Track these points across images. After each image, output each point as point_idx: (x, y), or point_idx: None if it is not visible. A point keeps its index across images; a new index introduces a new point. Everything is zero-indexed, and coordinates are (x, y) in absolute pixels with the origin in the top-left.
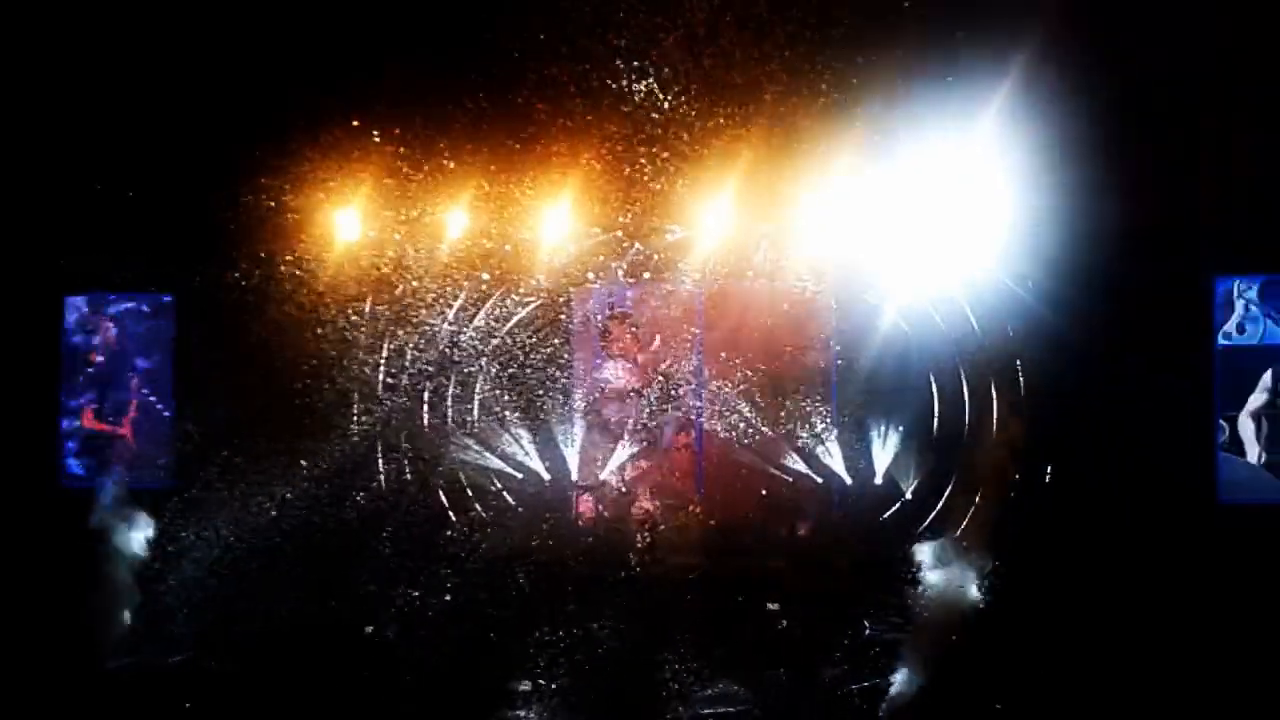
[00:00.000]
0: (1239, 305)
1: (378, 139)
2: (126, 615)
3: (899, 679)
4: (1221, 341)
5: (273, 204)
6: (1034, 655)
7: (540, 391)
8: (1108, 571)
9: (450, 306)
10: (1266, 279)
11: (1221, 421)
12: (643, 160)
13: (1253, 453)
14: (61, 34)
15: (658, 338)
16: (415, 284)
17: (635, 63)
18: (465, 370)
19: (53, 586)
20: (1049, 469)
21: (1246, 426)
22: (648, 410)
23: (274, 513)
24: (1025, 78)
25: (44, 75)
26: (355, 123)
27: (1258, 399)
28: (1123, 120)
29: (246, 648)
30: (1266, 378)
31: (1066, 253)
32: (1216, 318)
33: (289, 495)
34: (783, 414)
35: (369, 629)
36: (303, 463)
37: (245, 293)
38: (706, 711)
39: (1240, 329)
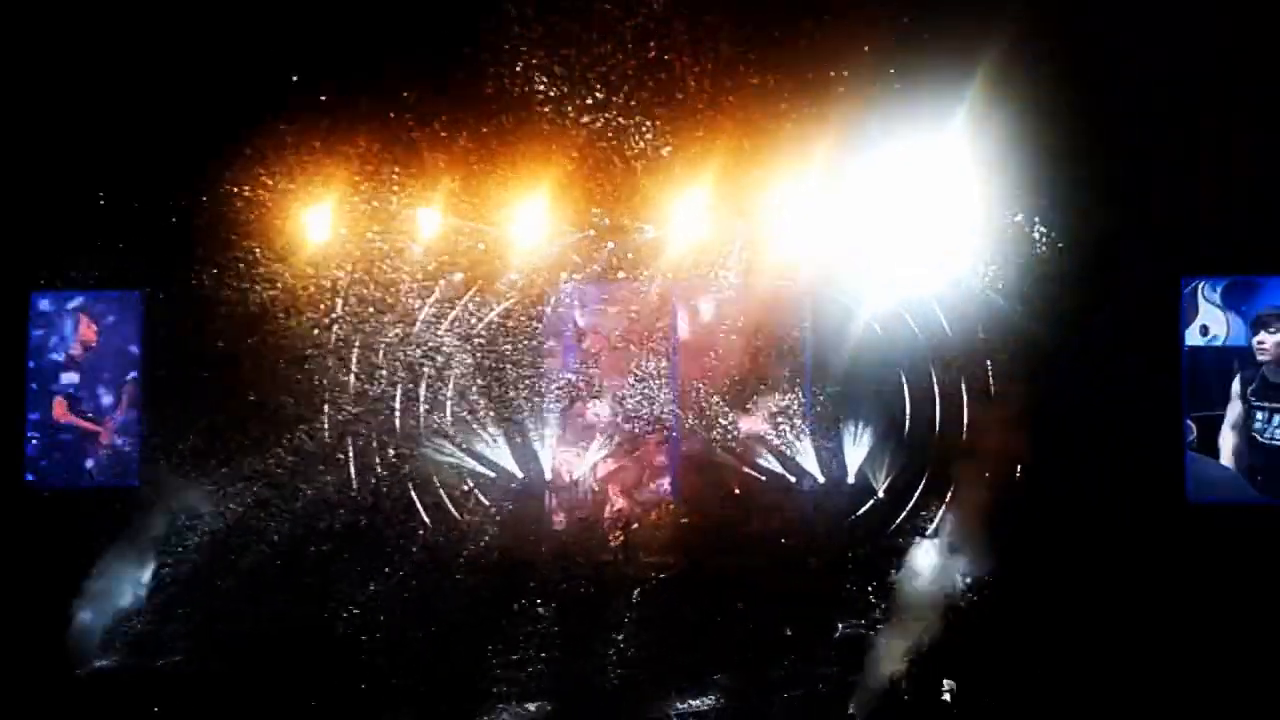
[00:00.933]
0: (1203, 307)
1: (350, 138)
2: (99, 614)
3: (871, 675)
4: (1188, 343)
5: (245, 202)
6: (1006, 651)
7: (513, 390)
8: (1079, 568)
9: (423, 306)
10: (1231, 281)
11: (1189, 421)
12: (617, 160)
13: (1230, 460)
14: (32, 34)
15: (631, 337)
16: (388, 283)
17: (610, 64)
18: (439, 369)
19: (21, 587)
20: (1020, 468)
21: (1226, 435)
22: (621, 409)
23: (244, 512)
24: (995, 84)
25: (13, 75)
26: (328, 122)
27: (1235, 408)
28: (1091, 124)
29: (215, 648)
30: (1235, 385)
31: (1036, 255)
32: (1183, 319)
33: (259, 495)
34: (756, 413)
35: (344, 629)
36: (273, 462)
37: (217, 290)
38: (678, 708)
39: (1204, 331)
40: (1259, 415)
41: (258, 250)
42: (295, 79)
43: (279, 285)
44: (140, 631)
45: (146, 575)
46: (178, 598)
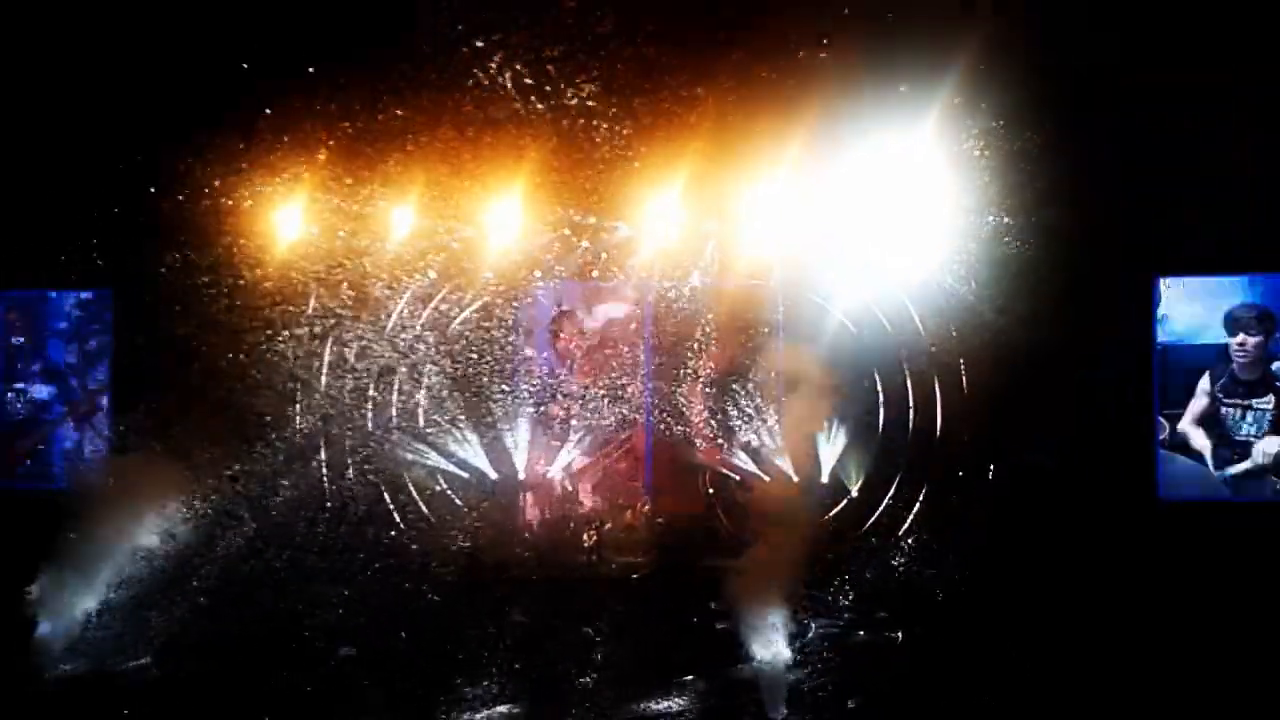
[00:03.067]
0: (1164, 298)
1: (322, 134)
2: (58, 618)
3: (844, 673)
4: (1161, 340)
5: (214, 198)
6: (978, 650)
7: (486, 390)
8: (1050, 568)
9: (395, 304)
10: (1203, 278)
11: (1161, 419)
12: (589, 158)
13: (1200, 455)
14: None
15: (605, 336)
16: (359, 282)
17: (582, 62)
18: (411, 368)
19: None
20: (992, 467)
21: (1194, 433)
22: (595, 408)
23: (211, 512)
24: (969, 79)
25: None
26: (298, 118)
27: (1199, 403)
28: (1065, 121)
29: (182, 652)
30: (1205, 380)
31: (1009, 252)
32: (1154, 316)
33: (228, 496)
34: (730, 412)
35: (313, 630)
36: (241, 462)
37: (186, 287)
38: (652, 709)
39: (1165, 320)
40: (1229, 413)
41: (229, 248)
42: (265, 75)
43: (249, 284)
44: (116, 634)
45: (110, 577)
46: (141, 601)
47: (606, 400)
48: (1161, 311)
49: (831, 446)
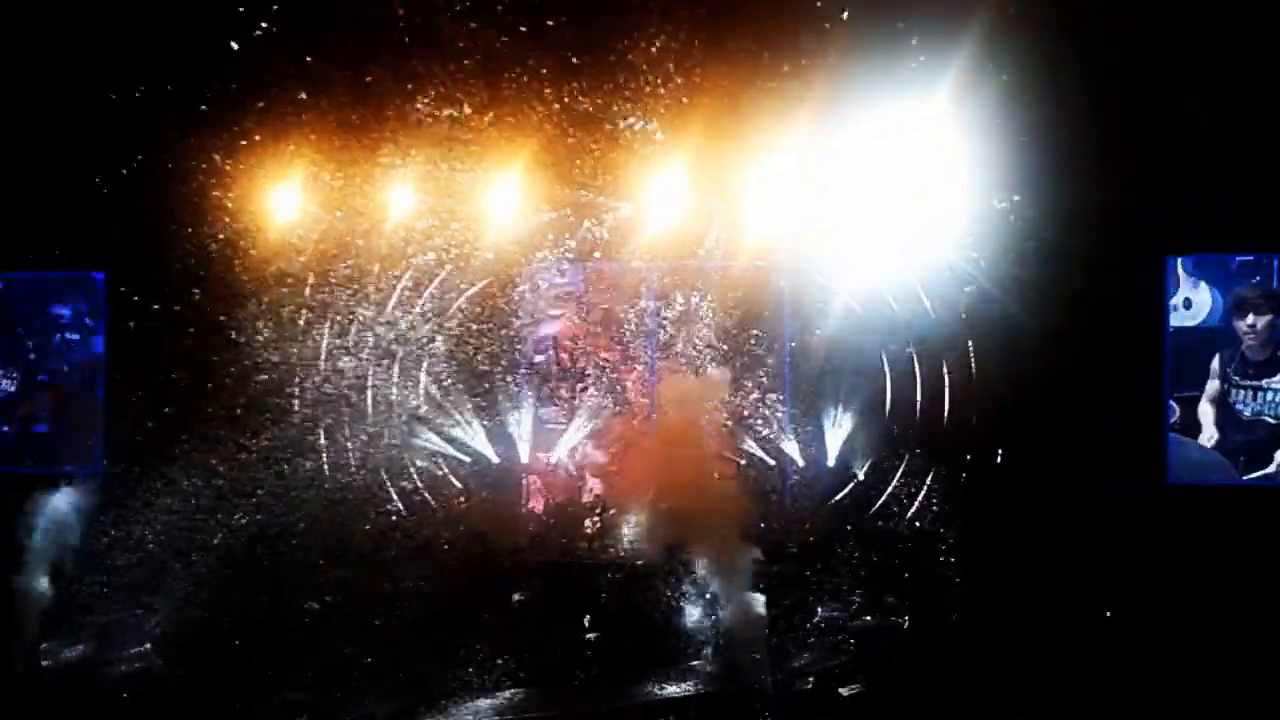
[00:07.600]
0: (1183, 279)
1: (318, 115)
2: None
3: (850, 659)
4: (1173, 323)
5: (210, 179)
6: (986, 635)
7: (488, 373)
8: (1058, 551)
9: (396, 286)
10: (1214, 259)
11: (1172, 402)
12: (594, 138)
13: (1207, 436)
14: None
15: (608, 318)
16: (358, 263)
17: (587, 39)
18: (412, 352)
19: None
20: (1000, 449)
21: (1206, 412)
22: (598, 392)
23: (210, 501)
24: (978, 61)
25: None
26: (297, 98)
27: (1213, 385)
28: (1074, 103)
29: (183, 642)
30: (1215, 363)
31: (1018, 234)
32: (1168, 299)
33: (226, 482)
34: (735, 396)
35: (315, 616)
36: (240, 447)
37: (181, 270)
38: (654, 695)
39: (1188, 304)
40: (1239, 394)
41: (226, 229)
42: (261, 54)
43: (244, 266)
44: (111, 624)
45: (105, 567)
46: (136, 590)
47: (610, 384)
48: (1184, 294)
49: (838, 431)
